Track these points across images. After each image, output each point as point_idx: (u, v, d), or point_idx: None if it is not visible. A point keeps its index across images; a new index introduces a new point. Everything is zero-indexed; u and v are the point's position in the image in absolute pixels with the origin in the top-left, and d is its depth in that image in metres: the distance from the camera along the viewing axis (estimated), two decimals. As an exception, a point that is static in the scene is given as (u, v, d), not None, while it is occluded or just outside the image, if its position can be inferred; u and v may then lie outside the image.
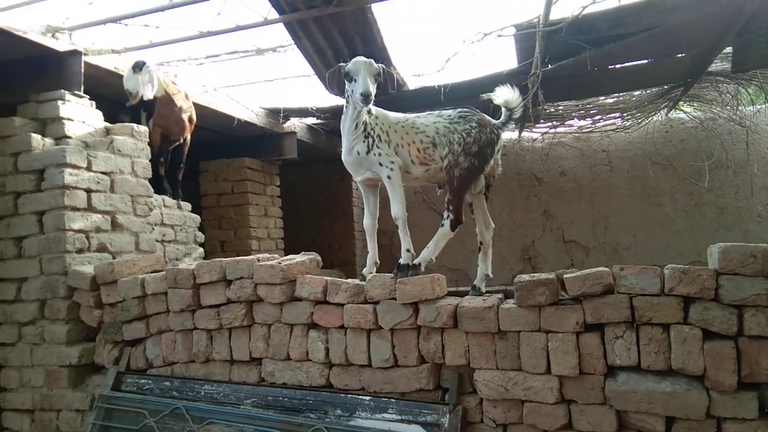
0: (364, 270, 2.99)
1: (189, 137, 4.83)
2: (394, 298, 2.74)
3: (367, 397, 2.74)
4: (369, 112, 2.86)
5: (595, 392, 2.37)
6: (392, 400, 2.69)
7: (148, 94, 4.10)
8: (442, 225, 2.82)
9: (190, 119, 4.67)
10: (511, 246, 6.89)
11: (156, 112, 4.42)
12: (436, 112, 2.97)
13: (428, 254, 2.83)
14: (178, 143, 4.76)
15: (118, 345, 3.36)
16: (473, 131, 2.83)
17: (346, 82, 2.78)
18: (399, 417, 2.64)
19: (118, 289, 3.30)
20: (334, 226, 7.55)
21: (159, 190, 4.50)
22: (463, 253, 6.86)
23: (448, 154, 2.82)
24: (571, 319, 2.42)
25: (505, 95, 2.93)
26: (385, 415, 2.66)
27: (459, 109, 2.95)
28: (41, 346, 3.42)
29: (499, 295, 2.76)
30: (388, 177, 2.80)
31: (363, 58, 2.75)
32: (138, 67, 4.06)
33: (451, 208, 2.81)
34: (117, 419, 3.11)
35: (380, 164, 2.81)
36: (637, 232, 6.68)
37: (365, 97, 2.67)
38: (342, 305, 2.86)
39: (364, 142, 2.82)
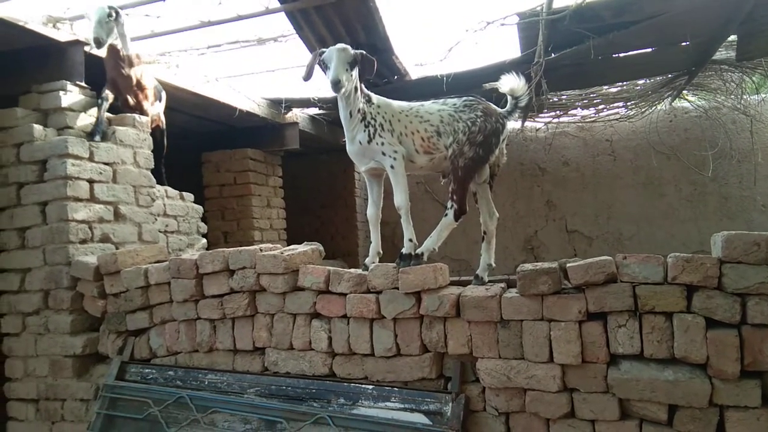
0: (367, 260, 2.99)
1: (162, 120, 4.49)
2: (397, 288, 2.75)
3: (370, 386, 2.75)
4: (369, 100, 2.85)
5: (598, 381, 2.37)
6: (395, 388, 2.69)
7: (128, 48, 3.81)
8: (446, 215, 2.81)
9: (140, 85, 4.02)
10: (514, 236, 6.88)
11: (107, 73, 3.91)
12: (441, 100, 2.95)
13: (431, 244, 2.83)
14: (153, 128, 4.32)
15: (121, 335, 3.37)
16: (478, 120, 2.81)
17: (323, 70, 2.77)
18: (402, 405, 2.65)
19: (122, 280, 3.31)
20: (337, 217, 7.55)
21: None
22: (465, 243, 6.86)
23: (453, 143, 2.80)
24: (573, 308, 2.42)
25: (510, 83, 2.91)
26: (388, 403, 2.67)
27: (464, 98, 2.92)
28: (45, 336, 3.44)
29: (502, 285, 2.75)
30: (392, 166, 2.79)
31: (338, 45, 2.75)
32: (113, 14, 3.65)
33: (455, 197, 2.80)
34: (121, 408, 3.13)
35: (383, 153, 2.79)
36: (640, 222, 6.66)
37: (334, 85, 2.66)
38: (345, 295, 2.86)
39: (365, 131, 2.81)
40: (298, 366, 2.95)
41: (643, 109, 6.51)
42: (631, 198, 6.73)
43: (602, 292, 2.38)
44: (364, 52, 2.83)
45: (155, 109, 4.35)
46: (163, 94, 4.48)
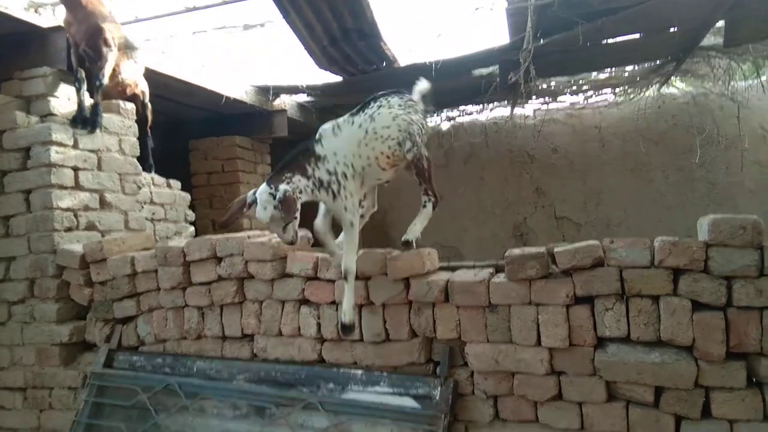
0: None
1: (141, 89, 4.19)
2: (386, 274, 2.74)
3: (359, 371, 2.75)
4: (317, 158, 2.61)
5: (585, 363, 2.39)
6: (384, 373, 2.70)
7: None
8: (425, 206, 2.84)
9: (96, 30, 3.53)
10: (502, 223, 6.89)
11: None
12: (377, 103, 2.71)
13: (417, 231, 2.81)
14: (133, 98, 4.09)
15: (109, 323, 3.35)
16: (423, 119, 2.81)
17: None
18: (391, 390, 2.66)
19: (108, 268, 3.28)
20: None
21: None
22: (454, 230, 6.88)
23: (412, 147, 2.69)
24: (561, 292, 2.43)
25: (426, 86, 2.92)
26: (377, 388, 2.68)
27: (397, 96, 2.77)
28: (31, 325, 3.41)
29: (490, 270, 2.76)
30: (351, 224, 2.63)
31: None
32: None
33: (429, 193, 2.82)
34: (110, 396, 3.11)
35: (346, 209, 2.63)
36: (628, 208, 6.69)
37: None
38: (333, 281, 2.85)
39: (327, 194, 2.62)
40: (287, 352, 2.94)
41: (631, 96, 6.50)
42: (619, 184, 6.75)
43: (589, 276, 2.39)
44: (280, 195, 2.47)
45: (129, 71, 3.96)
46: (139, 58, 4.10)
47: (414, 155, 2.71)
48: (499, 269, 2.77)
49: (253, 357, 3.02)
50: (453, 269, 2.89)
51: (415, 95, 2.86)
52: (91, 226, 3.56)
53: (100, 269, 3.30)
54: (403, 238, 2.79)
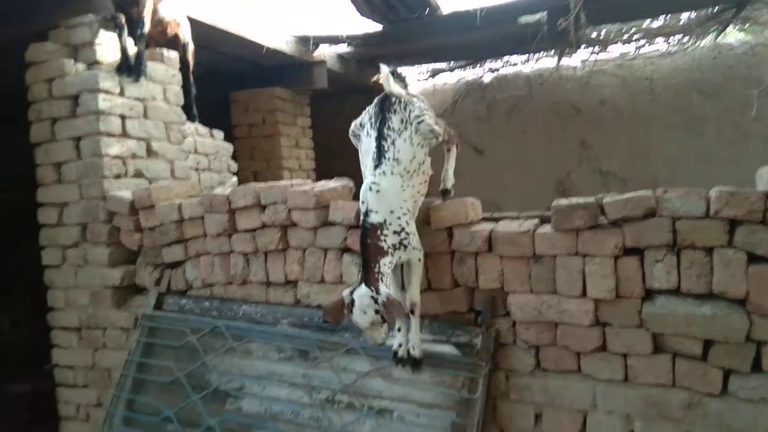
0: None
1: (182, 30, 4.12)
2: (429, 223, 2.73)
3: (401, 319, 2.78)
4: (370, 215, 2.43)
5: (632, 315, 2.35)
6: (425, 321, 2.72)
7: None
8: (449, 150, 2.92)
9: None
10: (545, 178, 6.75)
11: None
12: (386, 140, 2.53)
13: (451, 177, 2.89)
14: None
15: (158, 267, 3.45)
16: (416, 100, 2.68)
17: None
18: (432, 337, 2.68)
19: (156, 214, 3.36)
20: (365, 158, 7.49)
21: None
22: (495, 186, 6.79)
23: (438, 137, 2.68)
24: (609, 243, 2.37)
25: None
26: (419, 335, 2.70)
27: (392, 113, 2.57)
28: (84, 268, 3.55)
29: (535, 221, 2.71)
30: (419, 260, 2.53)
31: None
32: None
33: (447, 141, 2.87)
34: (160, 336, 3.24)
35: (413, 248, 2.49)
36: (677, 164, 6.45)
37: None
38: (376, 230, 2.85)
39: (403, 251, 2.47)
40: (329, 298, 2.98)
41: (685, 46, 6.19)
42: (668, 139, 6.50)
43: (640, 227, 2.32)
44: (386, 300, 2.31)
45: (168, 9, 3.88)
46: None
47: (442, 138, 2.71)
48: (544, 220, 2.73)
49: (296, 302, 3.08)
50: (496, 220, 2.85)
51: (392, 86, 2.58)
52: (138, 174, 3.64)
53: (149, 215, 3.39)
54: (441, 188, 2.77)
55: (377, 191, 2.43)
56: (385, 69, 2.60)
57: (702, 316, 2.21)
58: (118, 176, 3.52)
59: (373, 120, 2.60)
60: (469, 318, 2.72)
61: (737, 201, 2.17)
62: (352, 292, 2.33)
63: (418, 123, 2.56)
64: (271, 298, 3.15)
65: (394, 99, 2.58)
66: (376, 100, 2.64)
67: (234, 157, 4.91)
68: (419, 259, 2.53)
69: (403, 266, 2.58)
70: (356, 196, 3.12)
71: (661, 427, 2.32)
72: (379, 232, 2.39)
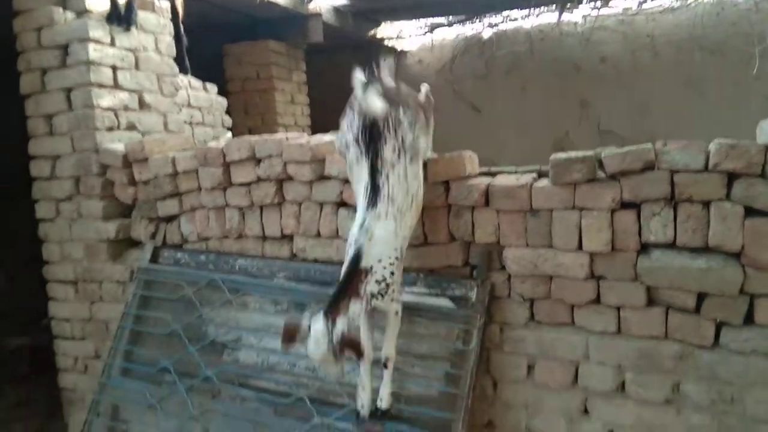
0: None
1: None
2: (426, 178, 2.70)
3: (397, 272, 2.78)
4: (363, 258, 2.23)
5: (627, 268, 2.36)
6: (421, 274, 2.73)
7: None
8: None
9: None
10: (544, 137, 6.70)
11: None
12: (382, 168, 2.29)
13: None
14: None
15: (153, 221, 3.43)
16: (410, 110, 2.49)
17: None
18: (428, 290, 2.69)
19: (150, 167, 3.32)
20: (362, 116, 7.41)
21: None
22: (492, 144, 6.73)
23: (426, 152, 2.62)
24: (607, 197, 2.36)
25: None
26: (414, 288, 2.71)
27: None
28: (78, 222, 3.53)
29: (533, 175, 2.69)
30: (396, 313, 2.41)
31: None
32: None
33: None
34: (156, 290, 3.25)
35: (392, 300, 2.35)
36: (678, 122, 6.40)
37: None
38: (372, 185, 2.83)
39: (381, 300, 2.31)
40: (325, 252, 2.99)
41: (688, 1, 6.07)
42: (669, 97, 6.44)
43: (638, 180, 2.30)
44: None
45: None
46: None
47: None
48: (541, 174, 2.71)
49: (292, 256, 3.08)
50: (493, 174, 2.83)
51: (371, 104, 2.30)
52: (131, 127, 3.58)
53: (143, 169, 3.35)
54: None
55: (369, 238, 2.22)
56: (358, 78, 2.34)
57: (697, 269, 2.21)
58: (110, 129, 3.46)
59: (362, 147, 2.32)
60: (465, 272, 2.72)
61: (737, 153, 2.15)
62: (311, 317, 2.15)
63: (414, 151, 2.37)
64: (267, 253, 3.14)
65: (381, 124, 2.29)
66: (361, 120, 2.33)
67: (228, 112, 4.84)
68: (396, 313, 2.39)
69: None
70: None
71: (651, 378, 2.35)
72: (363, 276, 2.21)
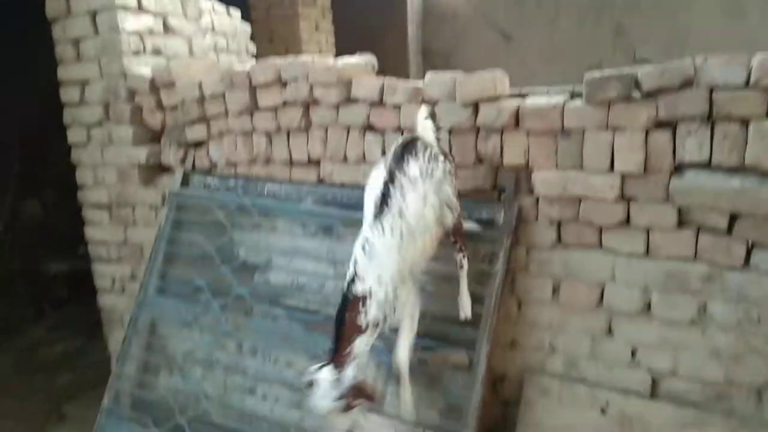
0: None
1: None
2: (454, 99, 2.66)
3: (424, 195, 2.78)
4: (357, 281, 2.09)
5: (659, 189, 2.32)
6: (448, 197, 2.72)
7: None
8: (462, 266, 2.47)
9: None
10: (576, 66, 6.42)
11: None
12: (398, 190, 2.14)
13: (468, 302, 2.52)
14: None
15: (182, 146, 3.47)
16: (445, 161, 2.37)
17: None
18: (455, 213, 2.69)
19: (177, 92, 3.32)
20: (386, 45, 7.25)
21: None
22: (522, 73, 6.54)
23: (451, 213, 2.34)
24: (642, 116, 2.29)
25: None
26: (442, 210, 2.71)
27: (412, 160, 2.20)
28: (110, 147, 3.58)
29: (566, 95, 2.62)
30: (411, 317, 2.34)
31: None
32: None
33: (462, 248, 2.45)
34: (188, 213, 3.32)
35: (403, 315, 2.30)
36: (717, 51, 6.10)
37: None
38: (398, 107, 2.80)
39: (385, 324, 2.18)
40: (352, 177, 2.99)
41: None
42: (709, 24, 6.14)
43: (675, 98, 2.22)
44: None
45: None
46: None
47: (453, 220, 2.32)
48: (574, 95, 2.63)
49: (320, 181, 3.11)
50: (524, 96, 2.77)
51: (425, 131, 2.38)
52: (156, 51, 3.56)
53: (170, 93, 3.36)
54: (462, 316, 2.50)
55: (368, 252, 2.08)
56: (424, 110, 2.45)
57: (731, 189, 2.17)
58: (136, 53, 3.45)
59: (388, 160, 2.20)
60: (493, 195, 2.72)
61: (781, 68, 2.05)
62: (317, 370, 2.00)
63: (440, 186, 2.21)
64: (295, 177, 3.17)
65: (420, 144, 2.23)
66: (398, 141, 2.28)
67: (252, 39, 4.77)
68: (411, 317, 2.30)
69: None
70: (380, 73, 3.04)
71: (678, 299, 2.36)
72: (360, 305, 2.03)
